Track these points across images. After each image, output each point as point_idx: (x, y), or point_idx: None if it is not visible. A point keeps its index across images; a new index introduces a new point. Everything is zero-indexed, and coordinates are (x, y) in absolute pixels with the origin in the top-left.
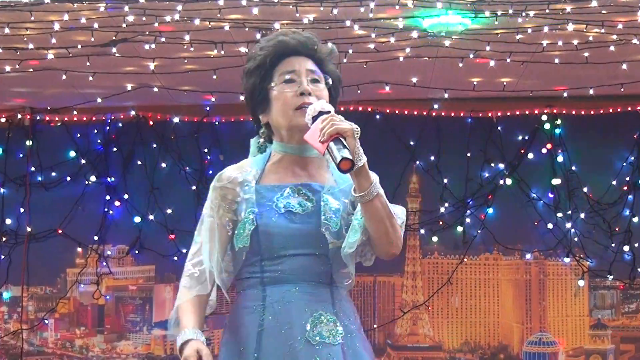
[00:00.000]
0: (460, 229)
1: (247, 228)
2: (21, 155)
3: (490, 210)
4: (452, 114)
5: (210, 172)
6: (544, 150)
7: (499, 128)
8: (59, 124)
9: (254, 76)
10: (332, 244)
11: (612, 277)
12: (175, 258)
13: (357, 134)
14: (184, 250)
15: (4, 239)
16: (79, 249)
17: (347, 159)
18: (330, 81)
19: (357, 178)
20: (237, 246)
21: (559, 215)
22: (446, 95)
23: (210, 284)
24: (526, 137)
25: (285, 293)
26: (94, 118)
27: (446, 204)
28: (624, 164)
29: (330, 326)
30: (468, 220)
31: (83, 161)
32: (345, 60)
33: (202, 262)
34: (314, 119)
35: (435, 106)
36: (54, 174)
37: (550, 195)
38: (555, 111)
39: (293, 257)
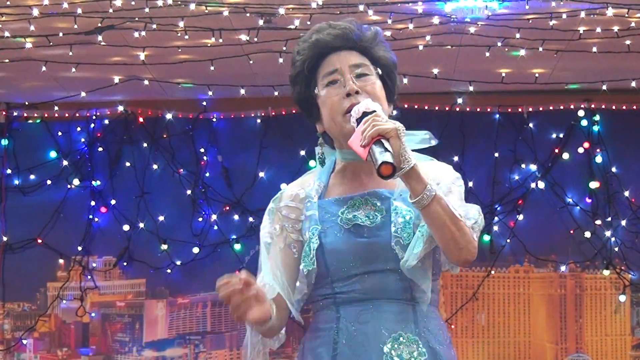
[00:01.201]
0: (487, 237)
1: (311, 248)
2: None
3: (520, 217)
4: (478, 110)
5: (208, 174)
6: (580, 150)
7: (531, 125)
8: (37, 120)
9: (298, 84)
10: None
11: None
12: (169, 271)
13: (403, 134)
14: (178, 262)
15: None
16: (61, 261)
17: (388, 162)
18: (379, 70)
19: (408, 182)
20: (305, 269)
21: (598, 222)
22: (471, 89)
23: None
24: (561, 135)
25: (360, 313)
26: (77, 114)
27: None
28: None
29: (412, 347)
30: (496, 228)
31: (65, 162)
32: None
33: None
34: (359, 121)
35: (459, 101)
36: (32, 176)
37: (588, 200)
38: (593, 106)
39: (366, 275)
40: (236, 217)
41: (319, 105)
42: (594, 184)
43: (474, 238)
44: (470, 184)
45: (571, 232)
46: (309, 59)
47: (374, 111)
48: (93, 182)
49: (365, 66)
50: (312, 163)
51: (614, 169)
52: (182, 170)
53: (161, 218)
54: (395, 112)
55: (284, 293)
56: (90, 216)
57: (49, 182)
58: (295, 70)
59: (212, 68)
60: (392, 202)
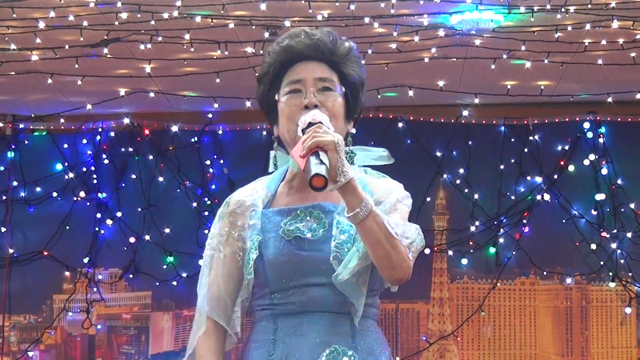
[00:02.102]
0: (492, 250)
1: (251, 258)
2: (1, 168)
3: (526, 229)
4: (484, 122)
5: (213, 186)
6: (586, 162)
7: (536, 137)
8: (43, 133)
9: (263, 84)
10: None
11: None
12: (175, 283)
13: (340, 147)
14: (184, 275)
15: None
16: (67, 273)
17: (320, 175)
18: (343, 89)
19: (344, 196)
20: (246, 278)
21: (604, 234)
22: (477, 101)
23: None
24: (566, 147)
25: (297, 326)
26: (83, 127)
27: (477, 222)
28: None
29: None
30: (501, 240)
31: (71, 175)
32: (363, 62)
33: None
34: (304, 132)
35: (465, 113)
36: (38, 189)
37: (594, 212)
38: (598, 118)
39: (304, 288)
40: None
41: (278, 110)
42: (599, 196)
43: (408, 257)
44: (476, 196)
45: (577, 244)
46: (277, 63)
47: (320, 122)
48: (99, 195)
49: (331, 81)
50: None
51: (619, 181)
52: (188, 182)
53: (167, 230)
54: (354, 131)
55: (222, 320)
56: (96, 228)
57: (55, 194)
58: (262, 70)
59: (217, 80)
60: (335, 217)
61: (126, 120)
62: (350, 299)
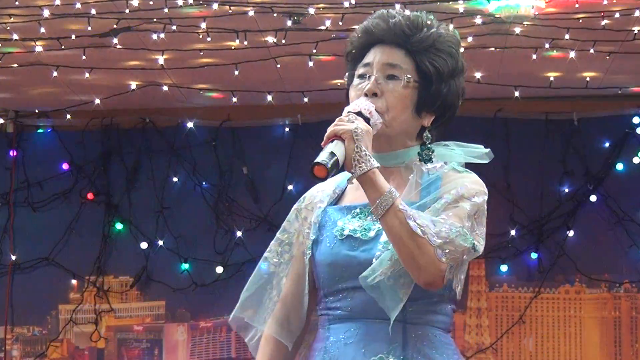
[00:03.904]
0: (534, 255)
1: (307, 258)
2: (3, 168)
3: (570, 233)
4: (524, 116)
5: (232, 187)
6: (635, 160)
7: (581, 133)
8: (49, 130)
9: (348, 63)
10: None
11: None
12: (190, 292)
13: (358, 137)
14: (201, 283)
15: None
16: (74, 282)
17: (319, 164)
18: (409, 78)
19: (363, 188)
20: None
21: None
22: (517, 94)
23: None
24: (614, 144)
25: (346, 333)
26: (91, 123)
27: (517, 226)
28: None
29: None
30: (544, 245)
31: (78, 175)
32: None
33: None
34: None
35: (504, 107)
36: (43, 190)
37: None
38: None
39: (352, 291)
40: (263, 233)
41: None
42: None
43: (440, 259)
44: (517, 197)
45: (627, 249)
46: (356, 45)
47: (359, 112)
48: (108, 197)
49: (400, 68)
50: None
51: None
52: (204, 183)
53: (182, 235)
54: (430, 125)
55: (286, 340)
56: (106, 233)
57: (60, 196)
58: (347, 48)
59: (236, 73)
60: None
61: (138, 116)
62: (379, 303)
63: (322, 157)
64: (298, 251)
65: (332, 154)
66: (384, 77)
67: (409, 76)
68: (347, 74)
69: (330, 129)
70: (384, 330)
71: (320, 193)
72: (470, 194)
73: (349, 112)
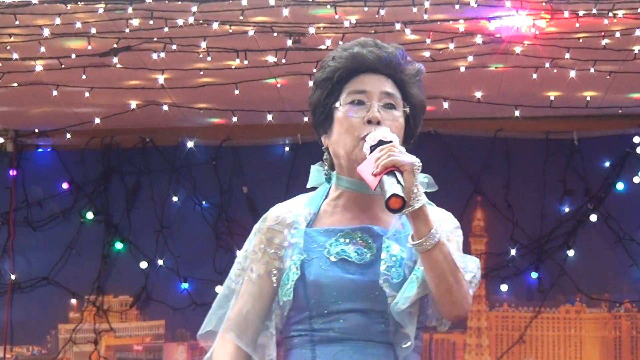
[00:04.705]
0: (534, 275)
1: (290, 278)
2: (3, 187)
3: (571, 253)
4: (525, 136)
5: (232, 206)
6: (636, 180)
7: (582, 152)
8: (48, 149)
9: (320, 89)
10: (391, 298)
11: None
12: (190, 311)
13: (418, 170)
14: (201, 302)
15: None
16: (73, 301)
17: (398, 195)
18: (408, 110)
19: (413, 222)
20: (281, 300)
21: None
22: (517, 113)
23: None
24: (615, 164)
25: (337, 354)
26: (91, 142)
27: (517, 245)
28: None
29: None
30: (544, 264)
31: (78, 194)
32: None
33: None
34: (372, 148)
35: (504, 126)
36: (42, 210)
37: None
38: None
39: (347, 314)
40: None
41: (334, 119)
42: None
43: (469, 294)
44: (517, 216)
45: (627, 268)
46: (343, 69)
47: (391, 141)
48: (108, 216)
49: (396, 99)
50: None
51: None
52: (204, 202)
53: (182, 254)
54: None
55: (249, 347)
56: (105, 252)
57: (60, 215)
58: (324, 74)
59: (236, 92)
60: (384, 240)
61: (137, 136)
62: (405, 329)
63: (396, 189)
64: (264, 270)
65: (401, 185)
66: (382, 106)
67: (406, 107)
68: (319, 97)
69: (387, 159)
70: (378, 352)
71: (289, 214)
72: (455, 227)
73: (380, 141)
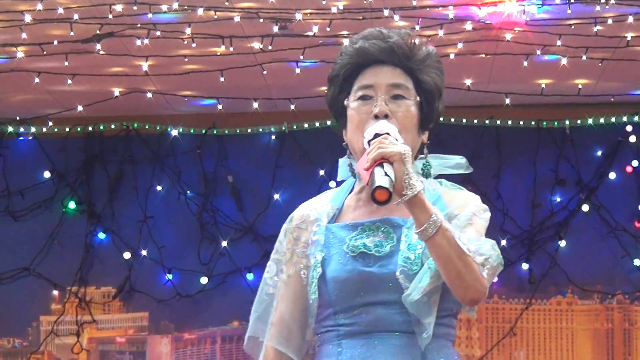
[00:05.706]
0: (525, 266)
1: (313, 276)
2: None
3: (562, 244)
4: (516, 124)
5: (216, 196)
6: (629, 169)
7: (573, 141)
8: (29, 137)
9: (333, 86)
10: (407, 288)
11: None
12: (174, 303)
13: (406, 159)
14: (185, 294)
15: None
16: (55, 292)
17: (382, 187)
18: (417, 97)
19: (411, 211)
20: (310, 298)
21: None
22: (508, 101)
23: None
24: (607, 153)
25: (362, 347)
26: (73, 130)
27: (508, 236)
28: None
29: None
30: (535, 255)
31: (60, 184)
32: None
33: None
34: (369, 143)
35: (495, 115)
36: (24, 199)
37: (637, 225)
38: None
39: (369, 306)
40: (248, 243)
41: (347, 116)
42: None
43: (483, 276)
44: (507, 206)
45: (620, 259)
46: (349, 65)
47: (387, 133)
48: (91, 206)
49: (405, 89)
50: (332, 184)
51: None
52: (188, 192)
53: (165, 245)
54: (428, 141)
55: (290, 351)
56: (88, 243)
57: (42, 205)
58: (333, 72)
59: (222, 79)
60: (403, 231)
61: (121, 124)
62: (421, 320)
63: (382, 181)
64: (293, 270)
65: (389, 177)
66: (390, 98)
67: (416, 95)
68: (333, 94)
69: (375, 152)
70: (402, 343)
71: (313, 211)
72: (479, 210)
73: (375, 134)
